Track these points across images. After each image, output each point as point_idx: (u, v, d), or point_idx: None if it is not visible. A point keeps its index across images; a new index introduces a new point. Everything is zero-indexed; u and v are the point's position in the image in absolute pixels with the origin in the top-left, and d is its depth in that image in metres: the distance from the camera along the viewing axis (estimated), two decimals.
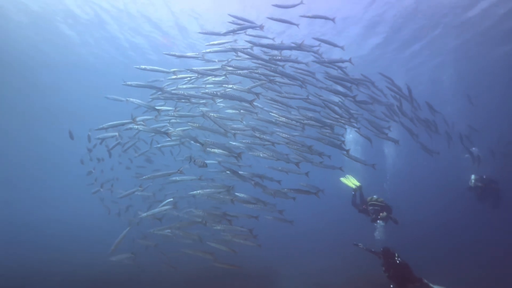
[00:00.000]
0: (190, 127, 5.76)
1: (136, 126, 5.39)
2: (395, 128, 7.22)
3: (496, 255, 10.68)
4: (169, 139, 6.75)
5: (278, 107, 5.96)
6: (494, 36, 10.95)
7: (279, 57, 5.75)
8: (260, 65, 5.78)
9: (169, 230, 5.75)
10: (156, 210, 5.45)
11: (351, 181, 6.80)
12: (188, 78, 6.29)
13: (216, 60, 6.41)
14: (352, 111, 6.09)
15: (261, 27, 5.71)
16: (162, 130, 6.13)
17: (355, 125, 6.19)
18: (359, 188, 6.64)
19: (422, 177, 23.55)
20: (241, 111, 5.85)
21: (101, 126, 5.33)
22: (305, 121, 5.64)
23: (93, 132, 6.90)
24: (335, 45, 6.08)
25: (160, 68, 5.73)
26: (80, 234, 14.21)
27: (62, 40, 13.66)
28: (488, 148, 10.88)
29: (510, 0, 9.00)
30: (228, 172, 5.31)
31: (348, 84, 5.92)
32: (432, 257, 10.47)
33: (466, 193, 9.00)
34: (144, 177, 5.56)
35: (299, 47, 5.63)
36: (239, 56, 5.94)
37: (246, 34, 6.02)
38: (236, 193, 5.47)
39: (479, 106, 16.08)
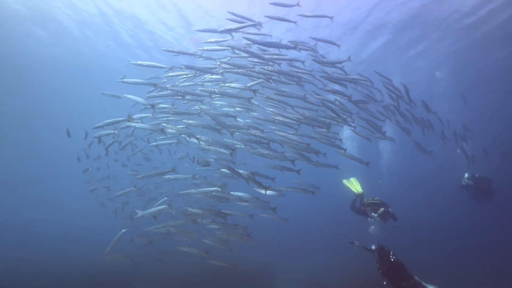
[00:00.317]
0: (185, 125, 5.67)
1: (132, 124, 5.31)
2: (391, 126, 7.21)
3: (488, 253, 10.78)
4: (165, 136, 6.69)
5: (274, 105, 5.91)
6: (491, 38, 11.02)
7: (276, 56, 5.68)
8: (257, 63, 5.72)
9: (164, 228, 5.72)
10: (151, 210, 5.41)
11: (354, 186, 6.68)
12: (186, 75, 6.19)
13: (216, 59, 6.33)
14: (348, 110, 6.05)
15: (259, 25, 5.63)
16: (158, 127, 6.07)
17: (352, 124, 6.14)
18: (360, 195, 6.55)
19: (417, 173, 23.53)
20: (236, 108, 5.79)
21: (97, 125, 5.25)
22: (302, 120, 5.59)
23: (90, 130, 6.81)
24: (332, 43, 6.04)
25: (156, 64, 5.65)
26: (78, 234, 14.07)
27: (62, 35, 13.33)
28: (482, 147, 10.93)
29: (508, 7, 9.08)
30: (224, 169, 5.24)
31: (345, 83, 5.89)
32: (427, 255, 10.52)
33: (459, 191, 9.11)
34: (139, 176, 5.56)
35: (295, 47, 5.57)
36: (237, 54, 5.87)
37: (245, 32, 5.94)
38: (231, 192, 5.42)
39: (475, 106, 16.26)
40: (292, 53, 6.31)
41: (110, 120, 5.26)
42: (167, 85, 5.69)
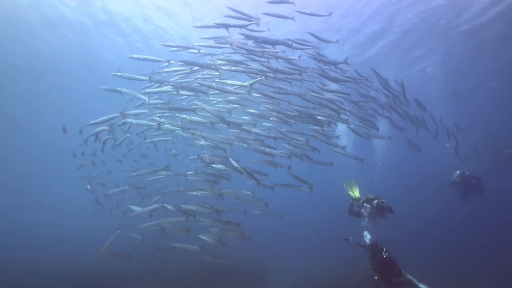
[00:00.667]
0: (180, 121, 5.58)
1: (124, 120, 5.23)
2: (385, 123, 7.18)
3: (481, 251, 10.90)
4: (160, 133, 6.60)
5: (270, 101, 5.84)
6: (483, 36, 11.06)
7: (271, 52, 5.60)
8: (254, 60, 5.64)
9: (158, 225, 5.68)
10: (146, 208, 5.40)
11: (352, 190, 6.53)
12: (183, 70, 6.06)
13: (212, 55, 6.22)
14: (344, 108, 6.00)
15: (257, 21, 5.53)
16: (151, 124, 5.97)
17: (347, 122, 6.10)
18: (357, 199, 6.46)
19: (412, 167, 23.49)
20: (231, 105, 5.71)
21: (93, 121, 5.14)
22: (298, 117, 5.54)
23: (86, 127, 6.68)
24: (329, 42, 5.98)
25: (152, 57, 5.55)
26: (75, 235, 13.90)
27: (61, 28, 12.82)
28: (474, 146, 11.03)
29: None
30: (218, 163, 5.17)
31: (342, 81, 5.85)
32: (421, 252, 10.59)
33: (448, 188, 9.21)
34: (133, 173, 5.54)
35: (291, 45, 5.50)
36: (234, 50, 5.77)
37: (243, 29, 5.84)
38: (223, 189, 5.38)
39: (467, 104, 16.38)
40: (291, 51, 6.23)
41: (105, 117, 5.16)
42: (162, 80, 5.58)
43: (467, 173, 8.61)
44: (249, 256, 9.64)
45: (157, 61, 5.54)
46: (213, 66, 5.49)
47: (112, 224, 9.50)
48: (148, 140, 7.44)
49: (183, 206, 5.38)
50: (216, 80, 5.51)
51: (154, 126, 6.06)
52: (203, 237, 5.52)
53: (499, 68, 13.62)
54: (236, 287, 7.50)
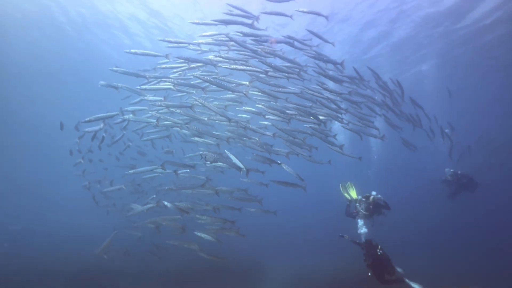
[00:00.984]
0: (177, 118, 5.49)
1: (122, 117, 5.16)
2: (381, 121, 7.14)
3: (474, 249, 10.99)
4: (156, 130, 6.51)
5: (268, 99, 5.78)
6: (478, 36, 11.09)
7: (268, 50, 5.52)
8: (252, 57, 5.56)
9: (154, 222, 5.64)
10: (142, 208, 5.40)
11: (347, 192, 6.46)
12: (180, 66, 5.94)
13: (211, 54, 6.12)
14: (340, 106, 5.95)
15: (257, 19, 5.45)
16: (150, 120, 5.88)
17: (344, 121, 6.05)
18: (352, 201, 6.40)
19: (406, 164, 23.53)
20: (227, 103, 5.64)
21: (88, 119, 5.05)
22: (295, 115, 5.49)
23: (81, 124, 6.58)
24: (326, 41, 5.92)
25: (150, 52, 5.45)
26: (76, 233, 13.71)
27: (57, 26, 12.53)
28: (468, 145, 11.09)
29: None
30: (214, 160, 5.10)
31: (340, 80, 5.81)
32: (416, 250, 10.64)
33: (440, 186, 9.27)
34: (129, 171, 5.51)
35: (292, 44, 5.45)
36: (234, 47, 5.68)
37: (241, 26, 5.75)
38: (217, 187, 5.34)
39: (461, 105, 16.50)
40: (286, 48, 6.16)
41: (101, 114, 5.06)
42: (160, 76, 5.48)
43: (459, 172, 8.67)
44: (245, 254, 9.60)
45: (155, 56, 5.44)
46: (213, 63, 5.41)
47: (111, 223, 9.41)
48: (144, 138, 7.36)
49: (178, 204, 5.31)
50: (215, 77, 5.43)
51: (152, 123, 5.99)
52: (199, 235, 5.47)
53: (497, 70, 13.74)
54: (231, 285, 7.44)
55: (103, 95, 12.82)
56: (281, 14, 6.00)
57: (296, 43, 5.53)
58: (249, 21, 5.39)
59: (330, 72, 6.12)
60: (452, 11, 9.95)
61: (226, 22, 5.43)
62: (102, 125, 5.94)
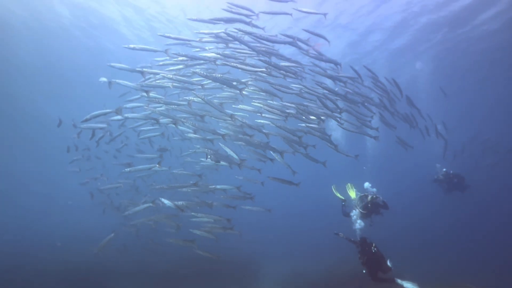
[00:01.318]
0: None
1: (119, 116, 5.09)
2: (376, 120, 7.13)
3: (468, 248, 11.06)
4: (152, 128, 6.45)
5: (263, 97, 5.74)
6: (472, 35, 11.15)
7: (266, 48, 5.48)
8: (251, 55, 5.53)
9: (150, 220, 5.60)
10: (138, 207, 5.40)
11: (341, 192, 6.40)
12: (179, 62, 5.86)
13: (207, 48, 6.06)
14: (336, 104, 5.93)
15: (257, 16, 5.41)
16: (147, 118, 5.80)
17: (340, 120, 6.03)
18: (345, 200, 6.34)
19: (401, 160, 23.53)
20: (223, 101, 5.59)
21: (85, 118, 4.98)
22: (291, 113, 5.46)
23: (79, 123, 6.47)
24: (324, 38, 5.91)
25: (149, 47, 5.38)
26: (73, 231, 13.54)
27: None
28: (462, 144, 11.15)
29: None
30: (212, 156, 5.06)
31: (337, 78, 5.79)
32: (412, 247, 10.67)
33: (432, 184, 9.35)
34: (126, 169, 5.53)
35: (292, 42, 5.42)
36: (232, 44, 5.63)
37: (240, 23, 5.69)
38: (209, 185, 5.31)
39: (456, 104, 16.62)
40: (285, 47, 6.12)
41: (97, 112, 4.99)
42: (157, 72, 5.40)
43: (451, 172, 8.75)
44: (240, 252, 9.55)
45: (154, 51, 5.38)
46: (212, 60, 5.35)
47: (109, 221, 9.30)
48: (141, 136, 7.29)
49: (173, 202, 5.26)
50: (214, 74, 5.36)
51: (151, 120, 5.91)
52: (195, 232, 5.43)
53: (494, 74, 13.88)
54: (226, 282, 7.39)
55: (101, 93, 12.68)
56: (281, 13, 5.97)
57: (297, 42, 5.48)
58: (248, 20, 5.34)
59: (328, 72, 6.11)
60: (451, 19, 10.05)
61: (224, 20, 5.37)
62: (105, 124, 5.90)
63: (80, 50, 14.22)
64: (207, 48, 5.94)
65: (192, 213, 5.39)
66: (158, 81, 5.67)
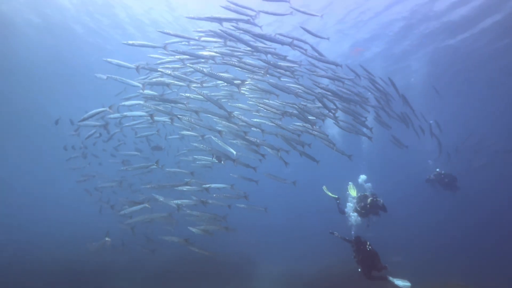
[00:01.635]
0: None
1: (116, 114, 5.07)
2: (371, 119, 7.13)
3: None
4: (150, 127, 6.40)
5: (259, 95, 5.72)
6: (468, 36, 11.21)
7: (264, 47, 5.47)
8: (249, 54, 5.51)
9: (146, 218, 5.55)
10: (135, 207, 5.44)
11: (329, 191, 6.30)
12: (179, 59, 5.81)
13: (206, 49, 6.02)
14: (333, 102, 5.92)
15: (256, 15, 5.39)
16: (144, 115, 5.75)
17: (336, 119, 6.02)
18: (338, 198, 6.33)
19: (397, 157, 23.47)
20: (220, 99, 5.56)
21: (82, 118, 4.95)
22: (289, 113, 5.45)
23: (76, 121, 6.42)
24: (320, 37, 5.91)
25: (148, 43, 5.34)
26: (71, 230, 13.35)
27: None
28: (456, 145, 11.19)
29: None
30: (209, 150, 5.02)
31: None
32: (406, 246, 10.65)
33: (424, 184, 9.38)
34: (122, 168, 5.64)
35: (290, 43, 5.41)
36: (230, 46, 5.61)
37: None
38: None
39: (451, 105, 16.69)
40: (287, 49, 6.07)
41: (92, 111, 4.96)
42: (154, 68, 5.36)
43: (442, 172, 8.79)
44: (236, 252, 9.47)
45: (153, 47, 5.34)
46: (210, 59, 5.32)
47: (105, 220, 9.16)
48: (139, 135, 7.23)
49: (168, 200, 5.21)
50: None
51: (147, 119, 5.87)
52: (192, 230, 5.38)
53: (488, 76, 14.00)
54: (222, 282, 7.31)
55: (101, 92, 12.60)
56: (278, 14, 5.96)
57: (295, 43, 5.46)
58: (246, 18, 5.32)
59: (324, 72, 6.10)
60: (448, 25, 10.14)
61: (220, 19, 5.34)
62: (104, 122, 5.84)
63: (84, 47, 14.05)
64: (207, 48, 5.92)
65: (188, 211, 5.32)
66: (156, 78, 5.63)
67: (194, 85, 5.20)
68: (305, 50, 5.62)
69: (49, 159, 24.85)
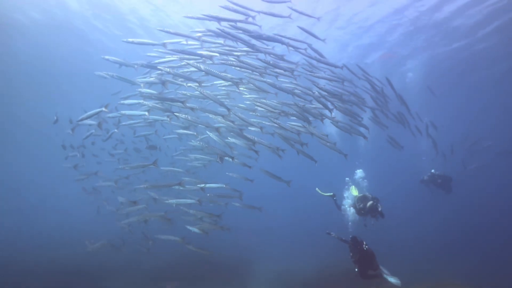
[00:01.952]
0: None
1: (110, 114, 5.05)
2: (366, 119, 7.11)
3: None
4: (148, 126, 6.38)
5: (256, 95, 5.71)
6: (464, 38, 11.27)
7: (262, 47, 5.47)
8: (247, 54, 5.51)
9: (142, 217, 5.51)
10: (132, 208, 5.59)
11: (323, 191, 6.39)
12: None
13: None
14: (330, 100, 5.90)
15: (254, 16, 5.40)
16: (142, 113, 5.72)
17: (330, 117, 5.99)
18: (334, 195, 6.36)
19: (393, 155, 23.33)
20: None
21: (80, 118, 4.98)
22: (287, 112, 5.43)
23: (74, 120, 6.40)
24: (317, 38, 5.92)
25: (147, 40, 5.33)
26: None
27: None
28: (451, 145, 11.17)
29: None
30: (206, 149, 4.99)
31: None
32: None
33: (419, 185, 9.37)
34: (120, 166, 5.53)
35: (288, 44, 5.42)
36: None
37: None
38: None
39: (447, 106, 16.74)
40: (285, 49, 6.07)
41: (91, 112, 4.96)
42: (152, 65, 5.34)
43: (436, 172, 8.77)
44: (232, 252, 9.39)
45: (153, 44, 5.34)
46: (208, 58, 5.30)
47: (103, 220, 9.06)
48: (137, 135, 7.20)
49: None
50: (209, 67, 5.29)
51: (145, 118, 5.84)
52: (189, 228, 5.33)
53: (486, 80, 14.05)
54: (219, 281, 7.22)
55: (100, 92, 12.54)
56: (277, 15, 5.98)
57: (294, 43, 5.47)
58: (245, 17, 5.32)
59: (323, 73, 6.10)
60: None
61: (219, 19, 5.34)
62: (97, 121, 5.83)
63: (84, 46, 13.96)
64: (204, 48, 5.91)
65: (184, 210, 5.27)
66: (154, 77, 5.61)
67: (190, 84, 5.18)
68: (305, 49, 5.63)
69: (47, 159, 24.68)
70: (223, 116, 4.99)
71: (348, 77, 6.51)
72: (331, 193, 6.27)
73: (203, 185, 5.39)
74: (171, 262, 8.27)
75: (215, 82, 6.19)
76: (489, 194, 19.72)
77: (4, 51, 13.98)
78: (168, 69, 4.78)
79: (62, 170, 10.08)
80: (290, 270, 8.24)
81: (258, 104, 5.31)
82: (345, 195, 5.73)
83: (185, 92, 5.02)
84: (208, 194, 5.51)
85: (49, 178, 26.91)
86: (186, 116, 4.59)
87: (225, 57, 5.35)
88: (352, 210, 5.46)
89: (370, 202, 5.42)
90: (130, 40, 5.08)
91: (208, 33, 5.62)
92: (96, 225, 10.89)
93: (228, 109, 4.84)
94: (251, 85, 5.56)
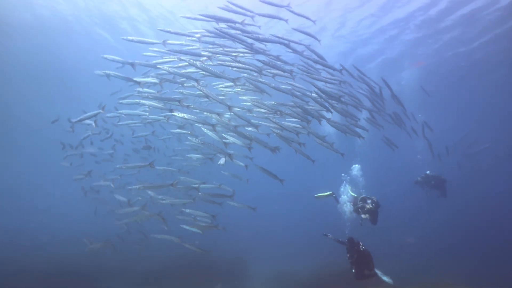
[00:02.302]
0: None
1: (108, 115, 5.04)
2: (362, 119, 7.09)
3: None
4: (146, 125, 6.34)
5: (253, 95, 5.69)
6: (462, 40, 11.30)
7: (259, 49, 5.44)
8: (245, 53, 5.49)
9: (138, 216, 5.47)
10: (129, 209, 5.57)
11: (323, 193, 6.43)
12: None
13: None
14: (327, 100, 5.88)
15: (255, 14, 5.40)
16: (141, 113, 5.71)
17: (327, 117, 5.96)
18: (332, 194, 6.40)
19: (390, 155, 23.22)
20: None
21: (78, 118, 5.04)
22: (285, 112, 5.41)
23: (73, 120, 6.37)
24: (314, 37, 5.91)
25: (146, 39, 5.31)
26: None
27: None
28: (445, 147, 11.16)
29: None
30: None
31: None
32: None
33: (414, 186, 9.27)
34: (118, 166, 5.49)
35: (287, 44, 5.41)
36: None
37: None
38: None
39: (445, 107, 16.76)
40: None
41: (89, 113, 5.02)
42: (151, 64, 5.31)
43: (431, 174, 8.71)
44: (228, 252, 9.32)
45: (152, 43, 5.32)
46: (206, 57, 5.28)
47: (101, 220, 8.98)
48: (135, 135, 7.16)
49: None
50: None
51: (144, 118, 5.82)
52: (184, 227, 5.28)
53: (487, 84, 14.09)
54: (215, 281, 7.15)
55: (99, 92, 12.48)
56: (275, 17, 5.98)
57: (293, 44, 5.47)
58: (243, 18, 5.31)
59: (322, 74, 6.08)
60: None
61: (217, 19, 5.33)
62: (93, 123, 5.82)
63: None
64: (200, 48, 5.90)
65: (179, 209, 5.23)
66: (152, 76, 5.58)
67: (186, 84, 5.16)
68: (305, 47, 5.62)
69: (47, 160, 24.52)
70: (218, 114, 4.96)
71: (345, 79, 6.50)
72: (330, 192, 6.30)
73: (197, 185, 5.36)
74: (167, 261, 8.19)
75: (212, 83, 6.18)
76: (489, 194, 19.70)
77: (4, 51, 13.94)
78: (167, 69, 4.75)
79: (60, 170, 9.96)
80: (287, 270, 8.18)
81: (255, 103, 5.28)
82: (341, 189, 5.77)
83: (181, 90, 5.00)
84: (199, 193, 5.48)
85: (49, 178, 26.79)
86: (183, 115, 4.55)
87: (223, 57, 5.33)
88: (349, 205, 5.47)
89: (369, 206, 5.56)
90: (130, 38, 5.07)
91: (206, 33, 5.61)
92: (94, 225, 10.77)
93: (230, 107, 4.82)
94: (248, 85, 5.54)
